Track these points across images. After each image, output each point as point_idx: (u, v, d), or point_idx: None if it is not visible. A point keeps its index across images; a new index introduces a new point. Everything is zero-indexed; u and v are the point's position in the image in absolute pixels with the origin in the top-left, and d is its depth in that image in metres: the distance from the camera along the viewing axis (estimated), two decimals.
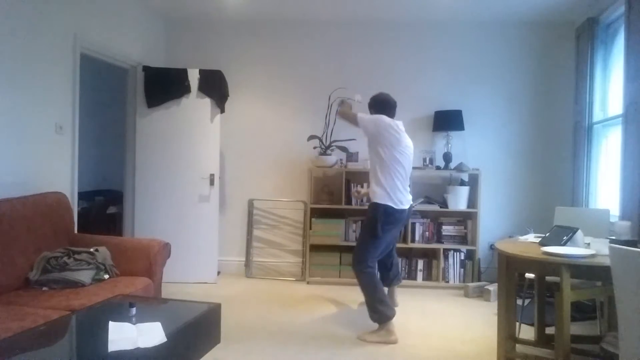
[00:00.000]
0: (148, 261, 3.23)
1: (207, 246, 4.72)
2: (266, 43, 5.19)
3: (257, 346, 3.13)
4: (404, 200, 3.40)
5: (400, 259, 4.81)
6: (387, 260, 3.83)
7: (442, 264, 4.74)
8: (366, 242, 3.44)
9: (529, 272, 3.20)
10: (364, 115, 3.51)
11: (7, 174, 3.19)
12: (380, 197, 3.36)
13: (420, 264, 4.80)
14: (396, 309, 3.48)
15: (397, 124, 3.44)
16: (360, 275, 3.40)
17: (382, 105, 3.53)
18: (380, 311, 3.29)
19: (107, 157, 5.90)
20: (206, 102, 4.69)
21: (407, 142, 3.46)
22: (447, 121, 4.82)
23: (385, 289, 3.59)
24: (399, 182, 3.36)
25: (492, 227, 4.93)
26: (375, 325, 3.33)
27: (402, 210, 3.40)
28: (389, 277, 3.88)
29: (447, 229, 4.80)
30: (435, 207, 4.78)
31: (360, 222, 4.71)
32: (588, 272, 2.41)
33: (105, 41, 4.24)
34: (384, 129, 3.35)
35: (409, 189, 3.50)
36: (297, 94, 5.17)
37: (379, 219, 3.36)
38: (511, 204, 4.99)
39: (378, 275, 3.48)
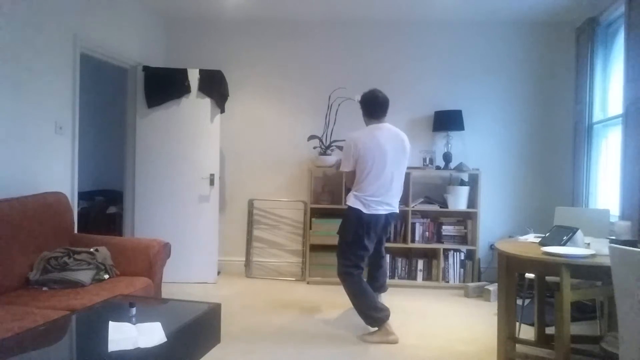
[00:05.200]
0: (148, 261, 3.22)
1: (207, 246, 4.72)
2: (266, 43, 5.19)
3: (257, 346, 3.13)
4: (377, 206, 3.31)
5: (400, 259, 4.83)
6: (373, 270, 3.73)
7: (442, 264, 4.74)
8: (341, 246, 3.46)
9: (529, 272, 3.20)
10: (341, 161, 3.54)
11: (7, 174, 3.19)
12: (351, 200, 3.36)
13: (420, 264, 4.80)
14: (391, 309, 3.44)
15: (372, 133, 3.34)
16: (343, 282, 3.42)
17: (368, 104, 3.44)
18: (372, 316, 3.28)
19: (107, 157, 5.90)
20: (206, 102, 4.69)
21: (383, 150, 3.30)
22: (447, 121, 4.82)
23: None
24: (373, 188, 3.29)
25: (492, 227, 4.93)
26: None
27: (375, 215, 3.32)
28: (375, 286, 3.73)
29: (447, 229, 4.80)
30: (435, 207, 4.78)
31: None
32: (588, 272, 2.42)
33: (105, 41, 4.24)
34: (355, 157, 3.32)
35: (392, 193, 3.38)
36: (297, 94, 5.17)
37: (350, 222, 3.38)
38: (511, 204, 4.99)
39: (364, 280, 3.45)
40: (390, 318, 3.31)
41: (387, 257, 3.90)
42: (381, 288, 3.76)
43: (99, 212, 5.56)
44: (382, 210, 3.34)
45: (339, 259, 3.45)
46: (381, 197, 3.31)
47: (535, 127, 4.97)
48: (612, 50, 4.29)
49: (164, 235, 4.19)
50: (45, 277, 2.87)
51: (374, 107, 3.41)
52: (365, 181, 3.30)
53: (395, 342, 3.22)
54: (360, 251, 3.38)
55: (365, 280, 3.54)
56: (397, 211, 3.49)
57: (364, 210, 3.29)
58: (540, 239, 2.84)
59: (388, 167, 3.31)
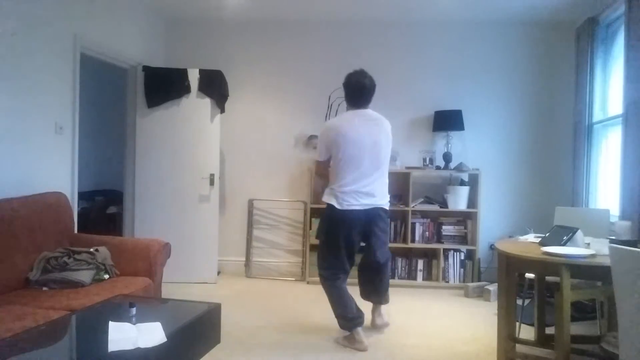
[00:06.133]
0: (148, 261, 3.22)
1: (207, 246, 4.72)
2: (266, 43, 5.19)
3: (257, 346, 3.13)
4: (352, 200, 3.03)
5: (400, 259, 4.82)
6: (364, 277, 3.36)
7: (442, 264, 4.74)
8: (318, 247, 3.31)
9: (529, 272, 3.19)
10: (317, 156, 3.28)
11: (7, 174, 3.19)
12: (325, 196, 3.16)
13: (420, 264, 4.80)
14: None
15: (348, 119, 3.10)
16: (320, 282, 3.26)
17: (351, 91, 3.15)
18: (340, 323, 3.17)
19: (107, 157, 5.90)
20: (206, 102, 4.69)
21: (360, 136, 3.03)
22: (447, 121, 4.82)
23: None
24: (350, 178, 3.02)
25: (492, 227, 4.93)
26: None
27: (349, 211, 3.04)
28: (371, 297, 3.40)
29: (447, 229, 4.80)
30: (435, 207, 4.78)
31: None
32: (588, 272, 2.41)
33: (105, 41, 4.24)
34: (330, 145, 3.09)
35: (373, 181, 3.07)
36: (297, 94, 5.16)
37: (323, 220, 3.22)
38: (511, 204, 4.99)
39: (342, 286, 3.17)
40: (364, 325, 3.17)
41: (389, 265, 3.38)
42: (379, 299, 3.37)
43: (99, 212, 5.56)
44: (358, 205, 3.04)
45: (317, 260, 3.30)
46: (359, 187, 3.03)
47: (535, 127, 4.97)
48: (612, 50, 4.28)
49: (164, 235, 4.19)
50: (45, 277, 2.87)
51: (358, 94, 3.12)
52: (341, 170, 3.04)
53: (363, 350, 3.03)
54: (334, 253, 3.13)
55: (346, 285, 3.22)
56: (384, 206, 3.17)
57: (337, 206, 3.04)
58: (540, 239, 2.83)
59: (367, 154, 3.03)
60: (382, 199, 3.16)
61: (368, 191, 3.06)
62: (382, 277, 3.33)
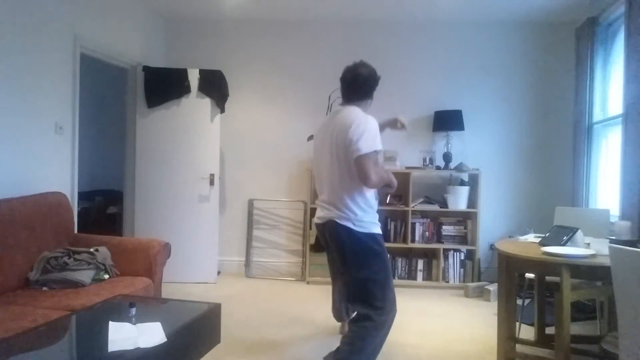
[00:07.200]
0: (148, 261, 3.22)
1: (207, 246, 4.72)
2: (266, 43, 5.19)
3: (257, 346, 3.13)
4: (317, 212, 2.65)
5: (400, 259, 4.82)
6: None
7: (442, 264, 4.74)
8: None
9: (529, 272, 3.20)
10: None
11: (7, 174, 3.19)
12: None
13: (420, 264, 4.80)
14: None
15: (327, 119, 2.71)
16: None
17: (340, 83, 2.80)
18: None
19: (107, 157, 5.90)
20: (206, 102, 4.69)
21: (317, 138, 2.66)
22: (447, 121, 4.82)
23: None
24: (317, 186, 2.68)
25: (492, 227, 4.93)
26: None
27: (315, 225, 2.68)
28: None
29: (447, 229, 4.80)
30: (435, 207, 4.78)
31: None
32: (588, 272, 2.41)
33: (105, 41, 4.24)
34: None
35: (326, 189, 2.55)
36: (297, 94, 5.17)
37: None
38: (511, 204, 4.99)
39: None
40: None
41: (364, 330, 2.60)
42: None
43: (99, 212, 5.57)
44: (319, 219, 2.60)
45: None
46: (320, 198, 2.62)
47: (535, 127, 4.97)
48: (612, 50, 4.28)
49: (164, 235, 4.20)
50: (45, 277, 2.87)
51: (347, 86, 2.71)
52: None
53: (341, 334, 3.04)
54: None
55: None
56: (340, 220, 2.44)
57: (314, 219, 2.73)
58: (540, 239, 2.83)
59: (325, 158, 2.54)
60: (339, 209, 2.45)
61: (325, 201, 2.56)
62: (347, 339, 2.61)
